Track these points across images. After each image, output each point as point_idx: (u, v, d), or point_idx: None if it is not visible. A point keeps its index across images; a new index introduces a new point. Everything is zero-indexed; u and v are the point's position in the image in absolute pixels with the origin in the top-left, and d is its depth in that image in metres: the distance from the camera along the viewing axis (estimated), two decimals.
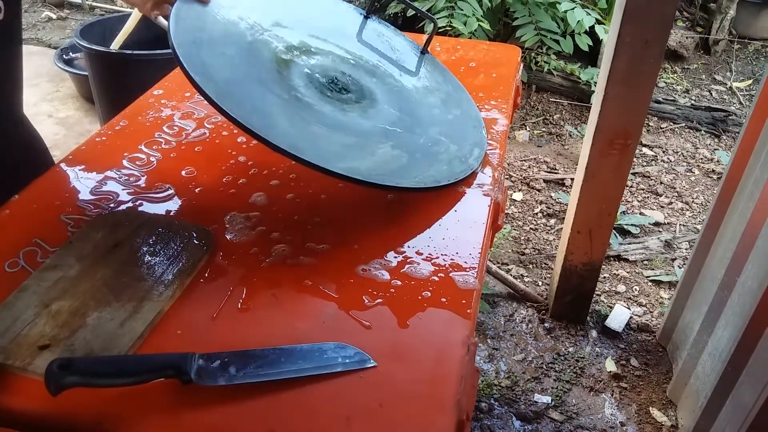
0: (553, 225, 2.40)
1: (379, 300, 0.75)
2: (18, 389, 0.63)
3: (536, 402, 1.70)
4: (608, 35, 1.59)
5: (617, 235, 2.32)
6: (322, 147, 0.85)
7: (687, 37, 3.60)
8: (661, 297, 2.09)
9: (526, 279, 2.14)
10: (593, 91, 2.91)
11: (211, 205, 0.89)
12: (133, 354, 0.66)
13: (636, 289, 2.11)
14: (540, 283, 2.13)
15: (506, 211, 2.42)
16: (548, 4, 2.89)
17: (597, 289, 2.00)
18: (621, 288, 2.11)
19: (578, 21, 2.70)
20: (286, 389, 0.64)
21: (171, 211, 0.88)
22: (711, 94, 3.36)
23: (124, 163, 0.97)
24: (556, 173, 2.68)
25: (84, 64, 2.71)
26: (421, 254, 0.82)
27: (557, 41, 2.83)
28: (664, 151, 2.88)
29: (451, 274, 0.79)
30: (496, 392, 1.72)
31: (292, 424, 0.61)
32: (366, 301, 0.74)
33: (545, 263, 2.21)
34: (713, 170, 2.75)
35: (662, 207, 2.52)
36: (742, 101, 3.28)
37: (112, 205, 0.88)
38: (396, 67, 1.12)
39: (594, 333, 1.93)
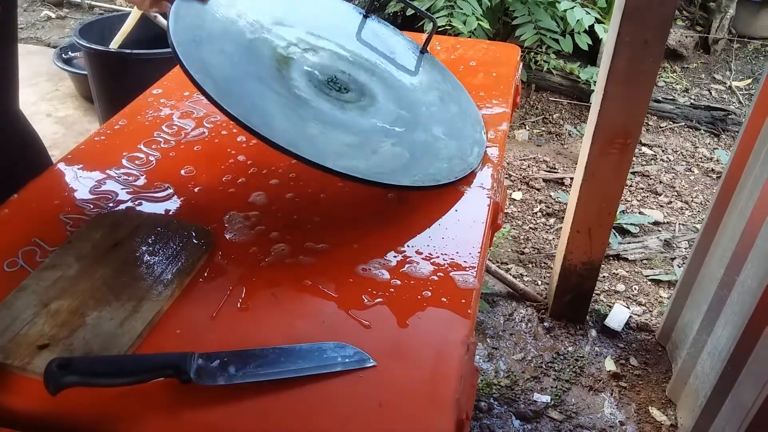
0: (552, 224, 2.40)
1: (378, 299, 0.75)
2: (17, 389, 0.63)
3: (536, 401, 1.70)
4: (608, 34, 1.59)
5: (617, 234, 2.32)
6: (321, 145, 0.85)
7: (686, 36, 3.60)
8: (661, 296, 2.09)
9: (525, 278, 2.14)
10: (593, 91, 2.91)
11: (210, 204, 0.89)
12: (132, 353, 0.66)
13: (635, 289, 2.11)
14: (539, 283, 2.13)
15: (506, 211, 2.42)
16: (547, 3, 2.89)
17: (596, 288, 2.00)
18: (620, 287, 2.11)
19: (578, 20, 2.70)
20: (285, 389, 0.64)
21: (170, 210, 0.88)
22: (710, 93, 3.36)
23: (124, 162, 0.97)
24: (555, 172, 2.68)
25: (83, 63, 2.71)
26: (421, 253, 0.82)
27: (557, 40, 2.83)
28: (663, 151, 2.88)
29: (450, 274, 0.79)
30: (496, 391, 1.72)
31: (291, 423, 0.61)
32: (365, 300, 0.74)
33: (545, 262, 2.21)
34: (712, 169, 2.75)
35: (662, 206, 2.52)
36: (741, 100, 3.28)
37: (111, 204, 0.88)
38: (395, 66, 1.12)
39: (593, 332, 1.93)
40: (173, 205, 0.89)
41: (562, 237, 1.88)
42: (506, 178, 2.63)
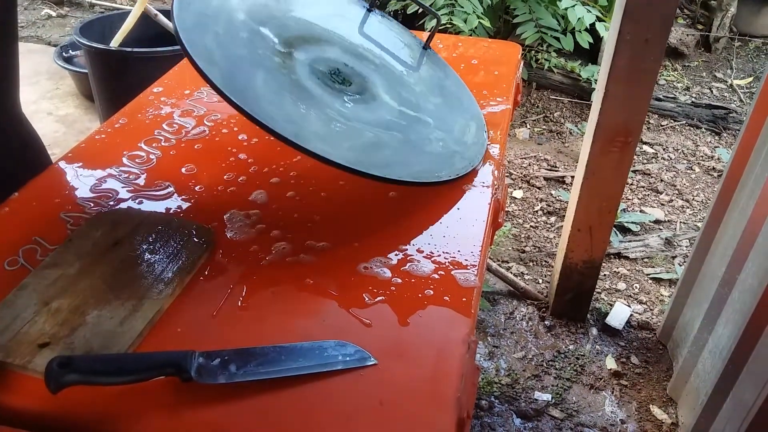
0: (553, 223, 2.40)
1: (379, 298, 0.75)
2: (18, 387, 0.63)
3: (536, 399, 1.70)
4: (609, 33, 1.59)
5: (617, 232, 2.32)
6: (323, 137, 0.85)
7: (688, 35, 3.59)
8: (662, 295, 2.08)
9: (526, 277, 2.14)
10: (594, 89, 2.91)
11: (211, 202, 0.89)
12: (132, 352, 0.66)
13: (636, 287, 2.11)
14: (540, 281, 2.13)
15: (506, 209, 2.42)
16: (548, 1, 2.89)
17: (597, 286, 2.00)
18: (621, 286, 2.11)
19: (579, 18, 2.69)
20: (286, 387, 0.64)
21: (171, 208, 0.88)
22: (711, 91, 3.35)
23: (124, 160, 0.97)
24: (556, 171, 2.68)
25: (84, 61, 2.71)
26: (422, 252, 0.82)
27: (558, 39, 2.82)
28: (664, 149, 2.87)
29: (451, 272, 0.79)
30: (497, 390, 1.72)
31: (292, 422, 0.61)
32: (366, 299, 0.74)
33: (545, 261, 2.21)
34: (714, 168, 2.75)
35: (663, 205, 2.52)
36: (742, 99, 3.27)
37: (111, 202, 0.88)
38: (397, 61, 1.12)
39: (594, 331, 1.93)
40: (174, 203, 0.89)
41: (563, 235, 1.88)
42: (507, 176, 2.63)
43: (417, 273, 0.78)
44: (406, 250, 0.82)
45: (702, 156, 2.84)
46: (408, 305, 0.74)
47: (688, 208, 2.51)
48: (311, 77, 0.94)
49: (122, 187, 0.91)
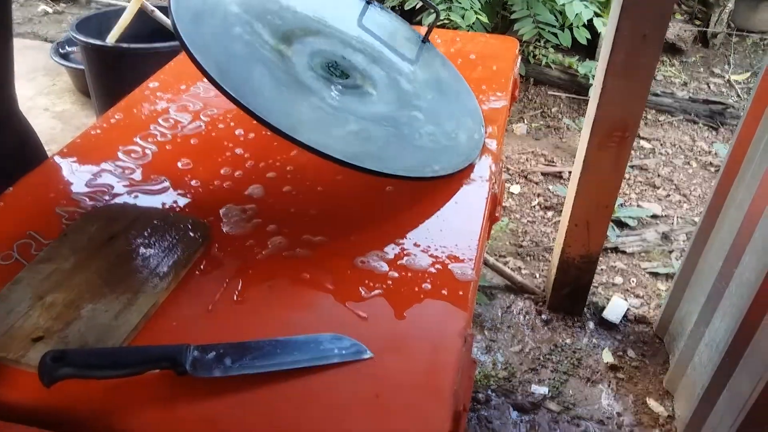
0: (550, 217, 2.40)
1: (375, 291, 0.74)
2: (11, 381, 0.62)
3: (533, 393, 1.70)
4: (606, 28, 1.59)
5: (615, 227, 2.32)
6: (320, 130, 0.84)
7: (685, 30, 3.59)
8: (659, 289, 2.09)
9: (523, 271, 2.15)
10: (591, 84, 2.91)
11: (207, 197, 0.89)
12: (127, 346, 0.66)
13: (633, 281, 2.11)
14: (537, 276, 2.13)
15: (504, 204, 2.42)
16: None
17: (594, 281, 2.00)
18: (618, 280, 2.12)
19: (576, 14, 2.69)
20: (281, 381, 0.64)
21: (166, 203, 0.87)
22: (709, 86, 3.35)
23: (120, 155, 0.96)
24: (554, 166, 2.68)
25: (80, 58, 2.70)
26: (419, 246, 0.82)
27: (555, 34, 2.82)
28: (661, 144, 2.87)
29: (448, 266, 0.78)
30: (494, 383, 1.73)
31: (287, 415, 0.61)
32: (362, 292, 0.74)
33: (543, 255, 2.21)
34: (711, 163, 2.75)
35: (660, 199, 2.52)
36: (740, 94, 3.27)
37: (107, 197, 0.88)
38: (396, 54, 1.11)
39: (591, 324, 1.93)
40: (169, 198, 0.88)
41: (560, 230, 1.88)
42: (504, 171, 2.63)
43: (414, 267, 0.78)
44: (403, 243, 0.82)
45: (699, 151, 2.84)
46: (404, 299, 0.74)
47: (685, 202, 2.52)
48: (308, 70, 0.94)
49: (118, 182, 0.91)
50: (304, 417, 0.61)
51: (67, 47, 3.02)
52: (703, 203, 2.45)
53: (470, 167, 0.97)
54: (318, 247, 0.81)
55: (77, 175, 0.92)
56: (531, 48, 3.14)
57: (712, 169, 2.71)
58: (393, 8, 3.10)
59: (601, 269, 2.15)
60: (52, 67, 3.22)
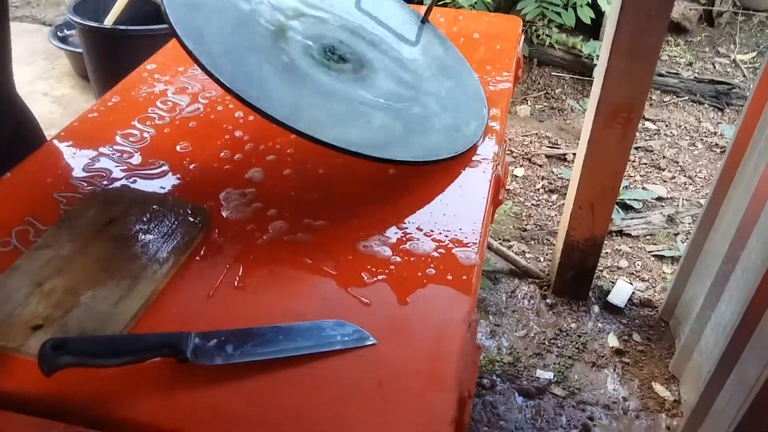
0: (554, 200, 2.38)
1: (378, 277, 0.73)
2: (11, 370, 0.62)
3: (538, 378, 1.70)
4: (611, 7, 1.56)
5: (619, 210, 2.30)
6: (317, 117, 0.83)
7: (690, 9, 3.54)
8: (664, 272, 2.07)
9: (527, 255, 2.13)
10: (595, 65, 2.87)
11: (206, 181, 0.88)
12: (127, 333, 0.65)
13: (638, 264, 2.10)
14: (542, 259, 2.12)
15: (507, 187, 2.40)
16: None
17: (599, 264, 1.99)
18: (623, 263, 2.10)
19: None
20: (283, 368, 0.63)
21: (165, 187, 0.86)
22: (714, 66, 3.31)
23: (117, 139, 0.95)
24: (558, 148, 2.66)
25: (79, 41, 2.67)
26: (422, 230, 0.80)
27: (559, 14, 2.78)
28: (666, 125, 2.85)
29: (452, 250, 0.77)
30: (498, 368, 1.72)
31: (289, 402, 0.60)
32: (365, 278, 0.73)
33: (547, 239, 2.20)
34: (716, 144, 2.72)
35: (665, 181, 2.50)
36: (745, 74, 3.24)
37: (105, 182, 0.86)
38: (395, 36, 1.09)
39: (596, 308, 1.92)
40: (168, 182, 0.87)
41: (565, 213, 1.86)
42: (508, 154, 2.61)
43: (417, 251, 0.77)
44: (406, 228, 0.81)
45: (705, 132, 2.81)
46: (408, 284, 0.73)
47: (690, 184, 2.49)
48: (305, 56, 0.91)
49: (116, 166, 0.89)
50: (307, 404, 0.60)
51: (65, 30, 2.99)
52: (709, 185, 2.43)
53: (473, 149, 0.95)
54: (319, 232, 0.79)
55: (75, 160, 0.91)
56: (534, 28, 3.10)
57: (718, 151, 2.68)
58: None
59: (606, 252, 2.14)
60: (50, 51, 3.19)
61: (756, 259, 1.33)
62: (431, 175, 0.89)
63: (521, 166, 2.56)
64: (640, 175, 2.53)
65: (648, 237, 2.22)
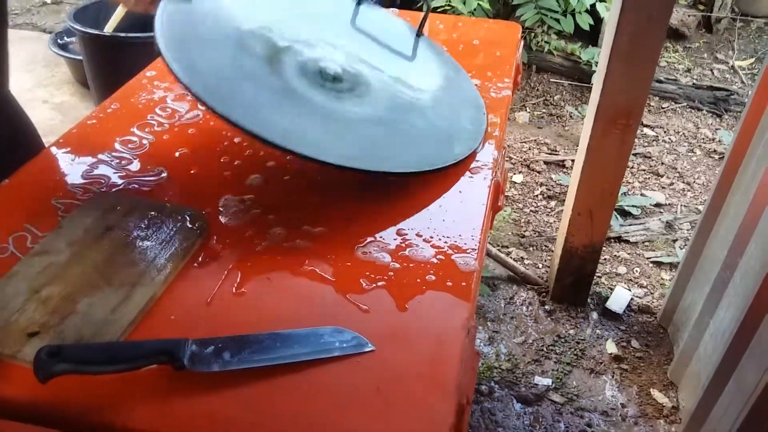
0: (553, 207, 2.38)
1: (377, 283, 0.73)
2: (7, 377, 0.61)
3: (537, 384, 1.69)
4: (610, 12, 1.56)
5: (618, 216, 2.30)
6: (313, 137, 0.84)
7: (689, 16, 3.55)
8: (662, 278, 2.07)
9: (526, 261, 2.13)
10: (594, 71, 2.88)
11: (205, 187, 0.88)
12: (124, 340, 0.65)
13: (637, 271, 2.10)
14: (540, 266, 2.12)
15: (506, 194, 2.40)
16: None
17: (597, 270, 1.98)
18: (622, 269, 2.10)
19: None
20: (282, 375, 0.62)
21: (164, 194, 0.86)
22: (713, 73, 3.32)
23: (116, 146, 0.95)
24: (556, 155, 2.66)
25: (79, 48, 2.68)
26: (421, 236, 0.80)
27: (557, 20, 2.79)
28: (665, 132, 2.85)
29: (451, 256, 0.77)
30: (497, 375, 1.72)
31: (288, 410, 0.59)
32: (364, 284, 0.73)
33: (545, 245, 2.20)
34: (715, 150, 2.73)
35: (663, 188, 2.50)
36: (744, 80, 3.25)
37: (103, 188, 0.86)
38: (391, 52, 1.10)
39: (594, 315, 1.92)
40: (167, 188, 0.87)
41: (563, 219, 1.86)
42: (507, 160, 2.61)
43: (416, 257, 0.77)
44: (405, 234, 0.81)
45: (703, 138, 2.81)
46: (407, 290, 0.72)
47: (689, 191, 2.50)
48: (300, 78, 0.92)
49: (114, 173, 0.89)
50: (305, 411, 0.59)
51: (65, 38, 2.99)
52: (707, 191, 2.43)
53: (472, 156, 0.95)
54: (318, 238, 0.79)
55: (73, 166, 0.90)
56: (533, 35, 3.11)
57: (716, 157, 2.69)
58: None
59: (605, 259, 2.13)
60: (50, 58, 3.20)
61: (755, 265, 1.33)
62: (430, 181, 0.89)
63: (520, 172, 2.56)
64: (639, 182, 2.53)
65: (646, 243, 2.22)
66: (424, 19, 1.15)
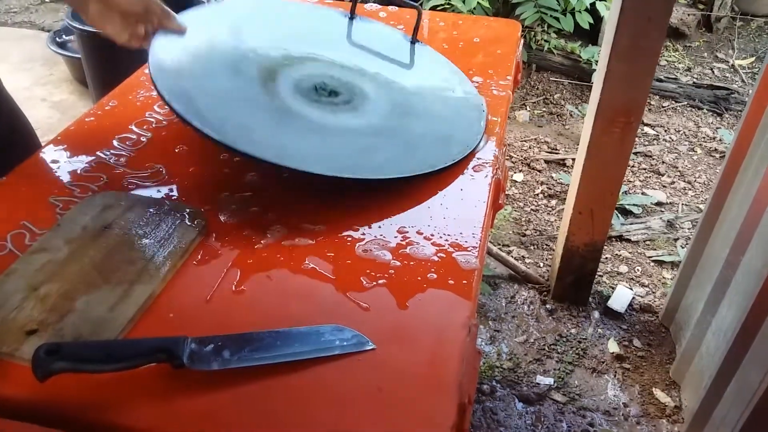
0: (554, 206, 2.38)
1: (377, 281, 0.73)
2: (5, 375, 0.61)
3: (538, 384, 1.69)
4: (610, 11, 1.56)
5: (619, 215, 2.30)
6: (310, 151, 0.85)
7: (689, 14, 3.55)
8: (664, 277, 2.07)
9: (527, 260, 2.13)
10: (594, 70, 2.88)
11: (204, 185, 0.87)
12: (123, 338, 0.64)
13: (638, 270, 2.09)
14: (541, 265, 2.11)
15: (507, 193, 2.39)
16: None
17: (599, 269, 1.98)
18: (623, 268, 2.09)
19: None
20: (281, 373, 0.62)
21: (162, 191, 0.85)
22: (713, 72, 3.32)
23: (114, 143, 0.94)
24: (557, 153, 2.65)
25: (77, 46, 2.67)
26: (422, 234, 0.80)
27: (557, 19, 2.78)
28: (665, 130, 2.84)
29: (452, 254, 0.76)
30: (498, 374, 1.71)
31: (287, 409, 0.59)
32: (364, 282, 0.72)
33: (546, 244, 2.19)
34: (715, 149, 2.72)
35: (664, 186, 2.50)
36: (744, 79, 3.24)
37: (101, 186, 0.86)
38: (387, 61, 1.12)
39: (596, 314, 1.91)
40: (165, 186, 0.86)
41: (564, 218, 1.86)
42: (507, 159, 2.60)
43: (417, 255, 0.76)
44: (406, 232, 0.80)
45: (704, 137, 2.81)
46: (407, 288, 0.72)
47: (690, 189, 2.49)
48: (295, 96, 0.94)
49: (112, 170, 0.89)
50: (305, 410, 0.59)
51: (64, 36, 2.99)
52: (709, 190, 2.42)
53: (473, 154, 0.95)
54: (318, 236, 0.79)
55: (71, 164, 0.90)
56: (533, 33, 3.11)
57: (717, 156, 2.68)
58: None
59: (606, 258, 2.13)
60: (49, 57, 3.19)
61: (757, 263, 1.33)
62: (432, 179, 0.89)
63: (520, 171, 2.56)
64: (640, 180, 2.52)
65: (648, 242, 2.21)
66: (417, 26, 1.16)
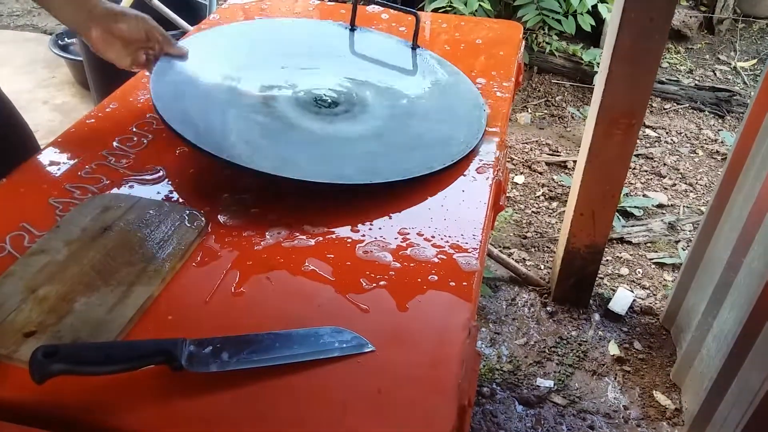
0: (555, 208, 2.37)
1: (377, 283, 0.72)
2: (3, 377, 0.60)
3: (539, 386, 1.68)
4: (612, 13, 1.56)
5: (620, 217, 2.29)
6: (309, 161, 0.86)
7: (691, 17, 3.55)
8: (665, 279, 2.06)
9: (528, 263, 2.12)
10: (596, 72, 2.87)
11: (203, 186, 0.87)
12: (121, 340, 0.64)
13: (639, 272, 2.09)
14: (542, 267, 2.11)
15: (508, 195, 2.39)
16: None
17: (600, 272, 1.98)
18: (624, 271, 2.09)
19: (581, 0, 2.65)
20: (280, 375, 0.62)
21: (162, 193, 0.85)
22: (715, 74, 3.31)
23: (114, 145, 0.94)
24: (558, 155, 2.65)
25: (79, 49, 2.67)
26: (422, 235, 0.79)
27: (559, 21, 2.78)
28: (667, 133, 2.84)
29: (452, 256, 0.76)
30: (498, 377, 1.71)
31: (286, 411, 0.59)
32: (364, 284, 0.72)
33: (547, 246, 2.19)
34: (717, 151, 2.72)
35: (666, 189, 2.50)
36: (746, 81, 3.24)
37: (101, 187, 0.85)
38: (389, 69, 1.13)
39: (597, 316, 1.91)
40: (165, 187, 0.86)
41: (565, 220, 1.85)
42: (508, 161, 2.60)
43: (417, 257, 0.76)
44: (406, 233, 0.80)
45: (705, 139, 2.81)
46: (407, 290, 0.72)
47: (691, 191, 2.49)
48: (295, 109, 0.96)
49: (112, 172, 0.89)
50: (304, 413, 0.59)
51: (66, 39, 2.99)
52: (710, 192, 2.42)
53: (473, 155, 0.94)
54: (318, 237, 0.79)
55: (71, 165, 0.90)
56: (534, 36, 3.11)
57: (719, 158, 2.68)
58: None
59: (607, 260, 2.13)
60: (51, 60, 3.20)
61: (758, 266, 1.32)
62: (432, 181, 0.88)
63: (521, 173, 2.56)
64: (641, 183, 2.52)
65: (649, 244, 2.21)
66: (416, 31, 1.17)
